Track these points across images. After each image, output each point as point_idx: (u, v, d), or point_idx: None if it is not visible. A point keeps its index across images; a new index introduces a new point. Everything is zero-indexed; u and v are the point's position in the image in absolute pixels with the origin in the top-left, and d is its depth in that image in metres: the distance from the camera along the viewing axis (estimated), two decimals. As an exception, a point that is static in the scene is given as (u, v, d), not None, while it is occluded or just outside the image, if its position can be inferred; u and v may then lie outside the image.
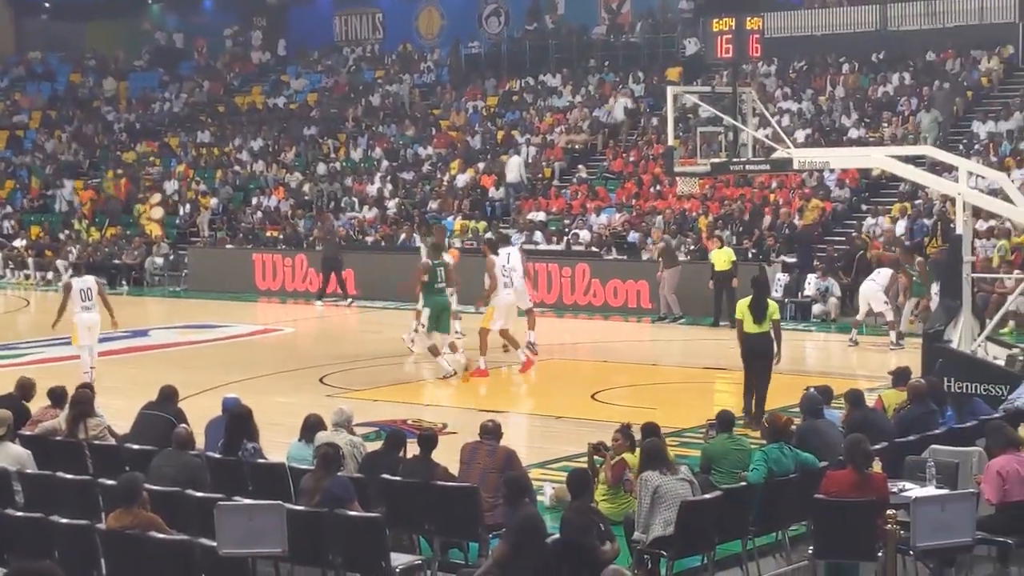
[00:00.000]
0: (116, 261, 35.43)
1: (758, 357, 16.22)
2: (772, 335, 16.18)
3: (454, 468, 11.44)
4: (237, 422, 12.20)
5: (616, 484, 11.84)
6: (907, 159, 21.40)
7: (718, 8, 32.91)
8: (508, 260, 20.96)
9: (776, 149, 19.33)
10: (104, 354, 22.48)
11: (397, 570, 10.02)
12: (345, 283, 29.82)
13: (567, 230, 31.17)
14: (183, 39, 50.27)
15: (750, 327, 16.18)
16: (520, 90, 40.16)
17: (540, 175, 35.14)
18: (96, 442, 12.78)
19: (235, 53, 48.85)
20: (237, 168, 40.17)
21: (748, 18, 19.40)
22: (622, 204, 32.00)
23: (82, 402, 13.12)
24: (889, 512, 9.45)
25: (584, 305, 27.40)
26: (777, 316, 16.35)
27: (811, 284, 26.44)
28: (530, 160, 35.47)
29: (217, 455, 12.04)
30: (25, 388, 14.42)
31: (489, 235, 26.48)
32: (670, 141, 20.01)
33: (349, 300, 29.61)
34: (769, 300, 16.59)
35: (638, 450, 11.41)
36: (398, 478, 11.08)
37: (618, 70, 39.02)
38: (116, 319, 20.23)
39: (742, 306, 16.35)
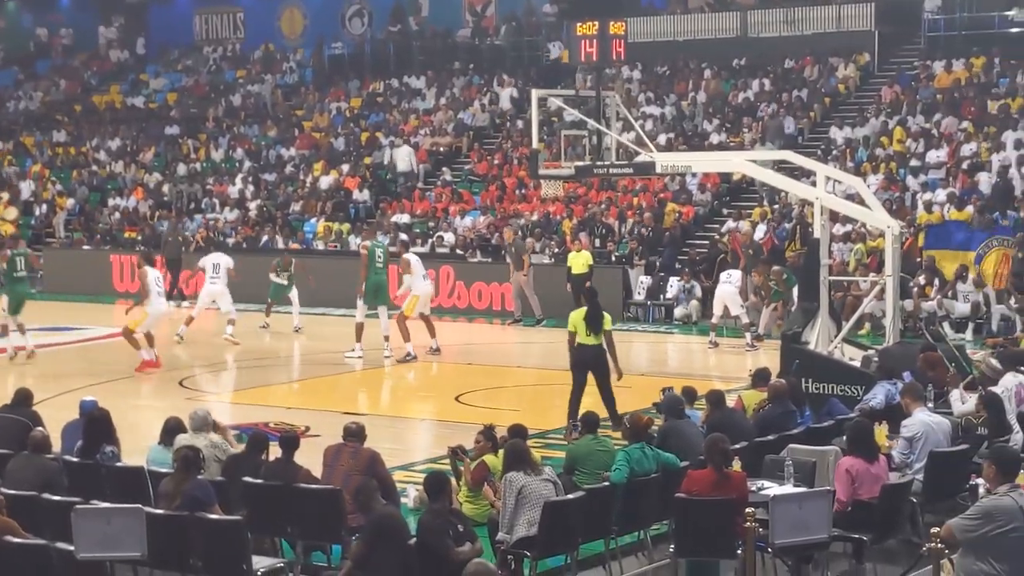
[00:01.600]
0: (-32, 262, 34.51)
1: (591, 368, 15.89)
2: (605, 346, 15.88)
3: (317, 470, 11.35)
4: (95, 425, 11.99)
5: (477, 486, 11.86)
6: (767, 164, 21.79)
7: (582, 12, 33.26)
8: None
9: (639, 153, 19.53)
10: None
11: (259, 573, 9.92)
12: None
13: (431, 233, 31.15)
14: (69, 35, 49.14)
15: (584, 339, 15.86)
16: (384, 92, 40.06)
17: (404, 179, 35.09)
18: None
19: (92, 51, 47.96)
20: (94, 168, 39.46)
21: (612, 22, 19.58)
22: (486, 207, 32.09)
23: None
24: (748, 510, 9.60)
25: (448, 307, 27.40)
26: (610, 327, 16.05)
27: (673, 287, 26.78)
28: (396, 160, 35.46)
29: (74, 459, 11.81)
30: None
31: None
32: (534, 144, 20.10)
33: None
34: (604, 312, 16.13)
35: (501, 451, 11.44)
36: (260, 481, 10.97)
37: (482, 73, 39.12)
38: None
39: (576, 318, 15.98)
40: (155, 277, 21.47)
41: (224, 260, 24.34)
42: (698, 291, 26.31)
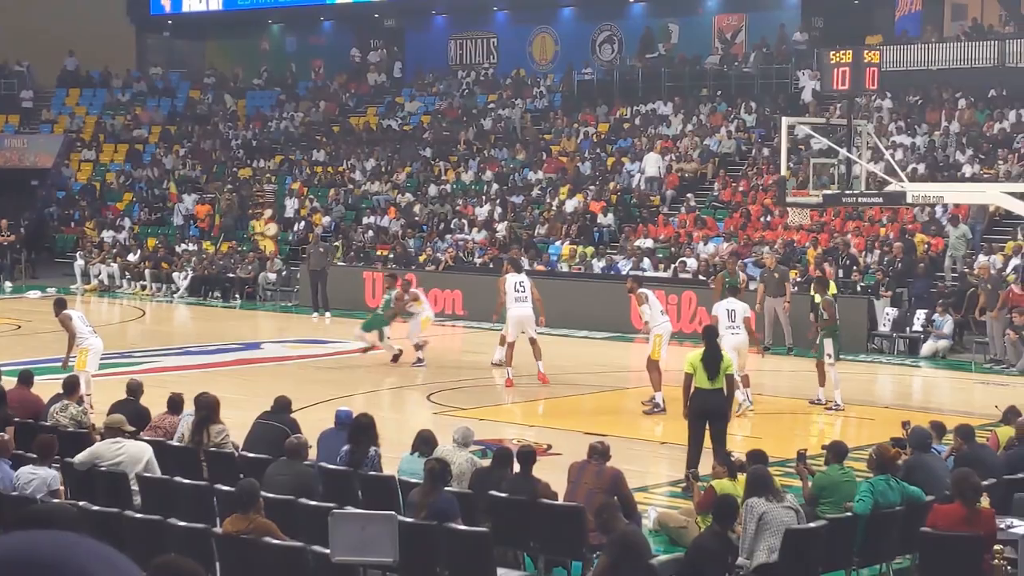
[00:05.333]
0: (230, 275, 36.09)
1: (711, 416, 14.71)
2: (725, 392, 14.83)
3: (558, 488, 11.59)
4: (362, 430, 12.48)
5: (705, 511, 11.91)
6: None
7: (833, 40, 32.91)
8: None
9: (890, 183, 19.30)
10: (217, 365, 23.11)
11: (503, 585, 10.19)
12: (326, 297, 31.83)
13: (674, 258, 31.20)
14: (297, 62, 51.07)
15: (703, 383, 14.71)
16: (631, 117, 40.32)
17: (649, 203, 35.28)
18: (219, 448, 13.08)
19: (351, 74, 49.57)
20: (350, 187, 40.74)
21: (866, 51, 19.42)
22: (730, 233, 32.00)
23: (208, 407, 13.43)
24: (996, 548, 9.45)
25: (689, 333, 27.40)
26: (732, 370, 15.14)
27: (920, 319, 26.25)
28: (642, 185, 35.80)
29: (337, 465, 12.30)
30: (134, 390, 14.87)
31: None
32: (782, 171, 20.05)
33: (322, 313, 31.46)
34: (724, 352, 15.16)
35: (739, 478, 11.49)
36: (504, 495, 11.25)
37: (730, 100, 39.06)
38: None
39: (693, 359, 14.89)
40: (516, 282, 22.09)
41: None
42: (949, 325, 25.73)
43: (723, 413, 14.81)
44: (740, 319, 19.42)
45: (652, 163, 35.86)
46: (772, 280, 26.43)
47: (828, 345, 19.96)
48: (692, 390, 14.80)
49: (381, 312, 24.12)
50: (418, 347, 23.76)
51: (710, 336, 15.26)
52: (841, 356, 21.02)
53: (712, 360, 14.76)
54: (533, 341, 21.84)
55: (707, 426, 14.74)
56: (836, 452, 11.95)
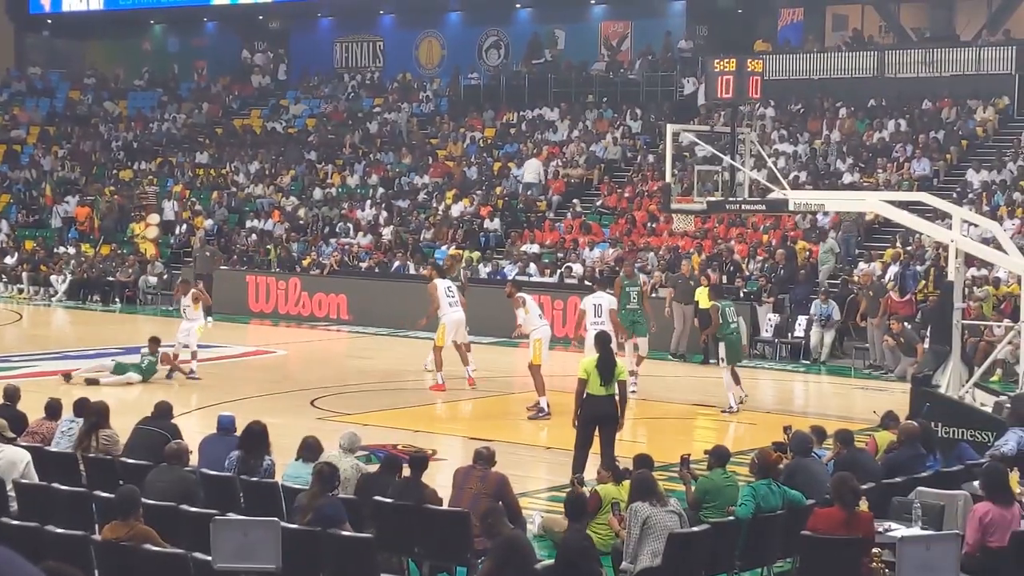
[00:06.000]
0: (110, 278, 35.53)
1: (603, 421, 14.78)
2: (617, 398, 14.85)
3: (443, 494, 11.56)
4: (255, 438, 12.32)
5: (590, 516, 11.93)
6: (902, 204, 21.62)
7: (717, 49, 33.28)
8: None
9: (772, 190, 19.53)
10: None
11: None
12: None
13: (560, 263, 31.32)
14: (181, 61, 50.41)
15: (596, 389, 14.75)
16: (518, 123, 40.41)
17: (535, 208, 35.37)
18: (107, 455, 12.86)
19: (235, 76, 49.09)
20: (234, 190, 40.32)
21: (750, 60, 19.63)
22: (615, 239, 32.19)
23: (97, 413, 13.24)
24: (875, 551, 9.58)
25: (575, 338, 27.48)
26: (624, 376, 15.23)
27: (802, 325, 26.59)
28: (525, 172, 36.03)
29: (212, 471, 12.14)
30: (12, 395, 14.55)
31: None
32: (667, 178, 20.18)
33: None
34: (618, 359, 15.27)
35: (624, 483, 11.54)
36: (390, 500, 11.19)
37: (616, 106, 39.31)
38: None
39: (588, 366, 14.85)
40: (446, 287, 21.99)
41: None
42: (836, 312, 26.07)
43: (614, 418, 14.82)
44: (606, 313, 19.84)
45: (532, 169, 35.96)
46: (686, 287, 26.61)
47: (721, 349, 20.30)
48: (584, 396, 14.83)
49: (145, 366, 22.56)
50: (190, 357, 22.86)
51: (604, 343, 15.23)
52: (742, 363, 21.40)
53: (606, 366, 14.78)
54: (459, 346, 21.89)
55: (596, 431, 14.80)
56: (718, 457, 12.05)
